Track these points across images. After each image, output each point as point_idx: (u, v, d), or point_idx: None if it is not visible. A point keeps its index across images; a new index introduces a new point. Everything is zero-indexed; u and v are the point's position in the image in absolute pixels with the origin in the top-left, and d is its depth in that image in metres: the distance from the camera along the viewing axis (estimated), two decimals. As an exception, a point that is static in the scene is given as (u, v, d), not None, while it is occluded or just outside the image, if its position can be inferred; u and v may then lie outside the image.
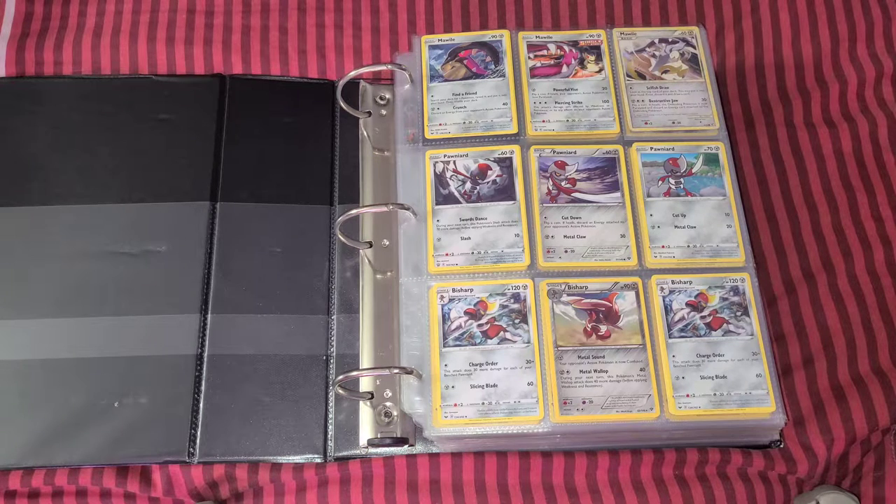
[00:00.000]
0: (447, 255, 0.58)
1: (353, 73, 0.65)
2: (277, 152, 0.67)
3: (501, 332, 0.56)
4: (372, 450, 0.58)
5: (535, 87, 0.64)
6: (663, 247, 0.58)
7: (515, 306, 0.57)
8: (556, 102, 0.63)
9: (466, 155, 0.62)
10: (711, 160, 0.61)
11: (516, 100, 0.63)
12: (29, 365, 0.60)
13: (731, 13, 0.73)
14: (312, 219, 0.65)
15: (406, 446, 0.58)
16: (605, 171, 0.61)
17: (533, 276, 0.58)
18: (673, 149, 0.62)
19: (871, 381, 0.59)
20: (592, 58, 0.65)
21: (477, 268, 0.58)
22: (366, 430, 0.58)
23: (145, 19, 0.72)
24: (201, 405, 0.59)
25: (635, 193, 0.60)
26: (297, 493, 0.57)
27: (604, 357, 0.55)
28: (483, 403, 0.54)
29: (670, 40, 0.66)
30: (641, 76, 0.64)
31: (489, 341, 0.56)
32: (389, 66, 0.66)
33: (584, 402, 0.54)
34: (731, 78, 0.71)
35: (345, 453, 0.58)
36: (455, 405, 0.54)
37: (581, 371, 0.55)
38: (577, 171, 0.61)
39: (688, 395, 0.54)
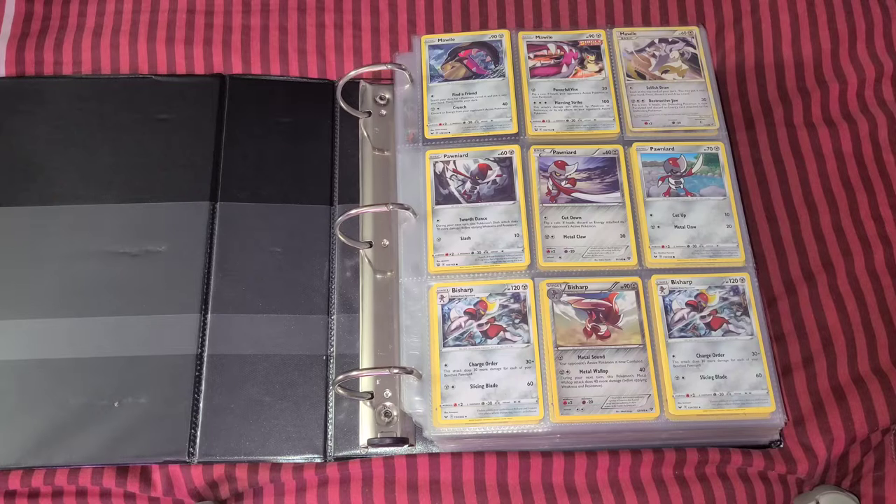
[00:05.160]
0: (447, 255, 0.58)
1: (353, 73, 0.65)
2: (277, 152, 0.67)
3: (501, 332, 0.56)
4: (372, 450, 0.58)
5: (534, 87, 0.64)
6: (663, 247, 0.58)
7: (515, 306, 0.57)
8: (556, 102, 0.63)
9: (466, 155, 0.61)
10: (711, 160, 0.61)
11: (516, 100, 0.63)
12: (29, 365, 0.60)
13: (731, 13, 0.73)
14: (312, 219, 0.65)
15: (406, 446, 0.58)
16: (605, 171, 0.61)
17: (533, 276, 0.58)
18: (673, 149, 0.62)
19: (871, 381, 0.59)
20: (592, 58, 0.65)
21: (477, 268, 0.58)
22: (366, 430, 0.58)
23: (145, 19, 0.72)
24: (201, 405, 0.59)
25: (635, 193, 0.60)
26: (296, 493, 0.57)
27: (604, 357, 0.55)
28: (483, 403, 0.54)
29: (670, 40, 0.66)
30: (641, 76, 0.64)
31: (489, 341, 0.56)
32: (389, 66, 0.66)
33: (583, 402, 0.54)
34: (731, 78, 0.71)
35: (345, 453, 0.58)
36: (455, 405, 0.54)
37: (581, 371, 0.55)
38: (577, 171, 0.61)
39: (688, 395, 0.54)
